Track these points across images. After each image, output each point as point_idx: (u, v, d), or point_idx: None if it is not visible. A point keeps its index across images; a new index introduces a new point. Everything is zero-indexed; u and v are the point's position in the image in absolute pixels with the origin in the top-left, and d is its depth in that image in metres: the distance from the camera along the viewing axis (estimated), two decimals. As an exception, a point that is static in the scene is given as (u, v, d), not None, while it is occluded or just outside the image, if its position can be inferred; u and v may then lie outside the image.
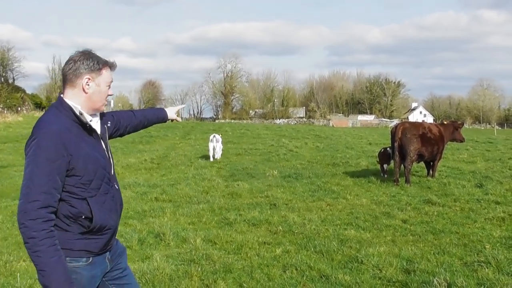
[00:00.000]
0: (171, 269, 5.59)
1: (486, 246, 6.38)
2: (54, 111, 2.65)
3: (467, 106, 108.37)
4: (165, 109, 3.54)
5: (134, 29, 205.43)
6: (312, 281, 5.25)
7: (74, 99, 2.67)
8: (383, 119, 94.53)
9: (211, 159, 17.05)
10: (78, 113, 2.63)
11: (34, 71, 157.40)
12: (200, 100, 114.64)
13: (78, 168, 2.56)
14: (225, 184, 11.94)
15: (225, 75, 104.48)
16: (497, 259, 5.67)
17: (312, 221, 7.93)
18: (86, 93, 2.69)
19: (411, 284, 5.00)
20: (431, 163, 13.02)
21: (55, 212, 2.51)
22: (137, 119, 3.36)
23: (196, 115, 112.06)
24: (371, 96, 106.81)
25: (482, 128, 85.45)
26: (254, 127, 42.09)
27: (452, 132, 13.33)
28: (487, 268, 5.45)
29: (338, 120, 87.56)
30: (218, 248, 6.48)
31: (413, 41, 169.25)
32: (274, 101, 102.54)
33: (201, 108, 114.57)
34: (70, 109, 2.63)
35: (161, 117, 3.48)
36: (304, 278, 5.34)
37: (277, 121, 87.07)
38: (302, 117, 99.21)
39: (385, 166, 12.99)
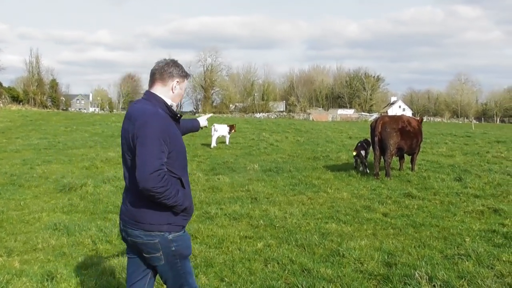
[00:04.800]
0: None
1: (466, 239, 6.44)
2: (148, 102, 3.22)
3: (445, 101, 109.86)
4: (197, 119, 4.19)
5: (111, 22, 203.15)
6: (294, 275, 5.22)
7: (163, 95, 3.27)
8: (362, 113, 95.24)
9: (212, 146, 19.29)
10: (169, 105, 3.27)
11: (10, 64, 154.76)
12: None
13: (174, 151, 3.14)
14: (205, 178, 11.85)
15: (205, 68, 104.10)
16: (477, 252, 5.73)
17: (293, 215, 7.92)
18: (173, 92, 3.32)
19: (392, 277, 5.01)
20: (410, 157, 13.13)
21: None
22: (181, 127, 3.75)
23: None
24: (351, 90, 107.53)
25: (460, 122, 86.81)
26: (234, 121, 41.96)
27: None
28: (467, 261, 5.50)
29: (318, 114, 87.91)
30: (199, 243, 6.41)
31: (390, 35, 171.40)
32: (254, 95, 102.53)
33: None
34: (163, 102, 3.24)
35: (196, 126, 4.15)
36: (286, 272, 5.32)
37: (257, 115, 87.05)
38: (282, 111, 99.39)
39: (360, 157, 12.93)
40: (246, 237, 6.71)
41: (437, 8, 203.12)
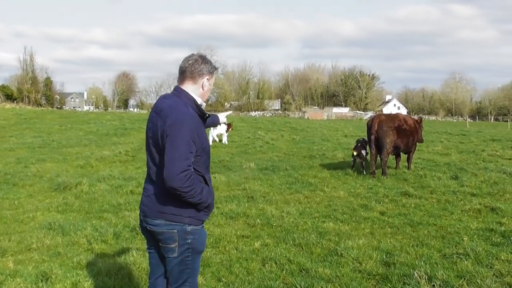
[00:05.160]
0: (148, 264, 5.43)
1: (464, 238, 6.40)
2: (179, 100, 3.22)
3: (439, 99, 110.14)
4: (217, 115, 4.17)
5: (105, 20, 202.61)
6: (292, 275, 5.17)
7: (193, 92, 3.28)
8: (357, 111, 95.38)
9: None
10: (200, 104, 3.29)
11: (4, 61, 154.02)
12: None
13: (200, 149, 3.18)
14: (201, 176, 11.76)
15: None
16: (475, 251, 5.69)
17: (290, 214, 7.86)
18: (203, 89, 3.33)
19: (391, 277, 4.97)
20: (406, 155, 13.12)
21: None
22: None
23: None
24: (346, 89, 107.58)
25: (455, 120, 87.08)
26: (229, 119, 41.92)
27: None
28: (466, 260, 5.47)
29: (313, 113, 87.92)
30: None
31: (385, 34, 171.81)
32: (249, 93, 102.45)
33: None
34: (193, 100, 3.25)
35: (216, 122, 4.14)
36: (284, 272, 5.26)
37: (253, 114, 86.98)
38: (277, 110, 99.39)
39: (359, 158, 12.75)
40: (243, 236, 6.65)
41: (432, 6, 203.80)
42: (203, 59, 3.32)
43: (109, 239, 6.54)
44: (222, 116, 4.22)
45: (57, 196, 9.50)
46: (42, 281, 4.95)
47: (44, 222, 7.36)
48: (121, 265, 5.35)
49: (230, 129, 21.15)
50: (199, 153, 3.18)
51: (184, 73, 3.28)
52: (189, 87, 3.29)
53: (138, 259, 5.49)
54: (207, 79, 3.32)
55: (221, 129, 20.21)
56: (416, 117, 14.73)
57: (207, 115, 3.37)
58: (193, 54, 3.35)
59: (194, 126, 3.12)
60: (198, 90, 3.31)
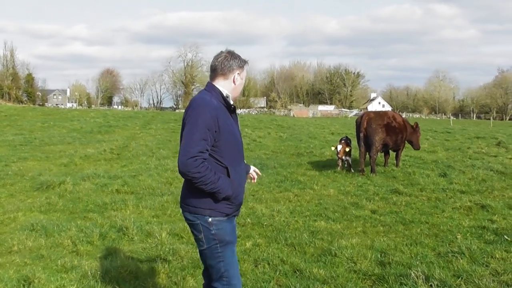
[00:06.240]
0: (136, 266, 5.26)
1: (458, 236, 6.31)
2: (207, 93, 3.35)
3: (423, 97, 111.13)
4: None
5: (88, 16, 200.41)
6: (285, 276, 5.02)
7: (224, 88, 3.40)
8: (343, 109, 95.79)
9: None
10: (225, 96, 3.37)
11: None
12: (160, 89, 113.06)
13: (222, 140, 3.24)
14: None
15: (186, 64, 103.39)
16: (470, 249, 5.61)
17: (280, 213, 7.71)
18: (235, 84, 3.44)
19: (388, 277, 4.84)
20: (395, 153, 13.06)
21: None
22: None
23: (155, 104, 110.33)
24: (331, 87, 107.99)
25: (438, 118, 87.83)
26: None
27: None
28: (462, 259, 5.37)
29: (299, 110, 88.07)
30: (185, 242, 6.15)
31: (370, 32, 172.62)
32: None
33: (161, 98, 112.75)
34: (219, 92, 3.35)
35: None
36: (277, 273, 5.10)
37: (239, 111, 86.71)
38: (263, 107, 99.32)
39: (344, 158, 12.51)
40: (233, 236, 6.47)
41: (415, 6, 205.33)
42: (231, 54, 3.43)
43: (95, 240, 6.31)
44: None
45: (40, 196, 9.21)
46: (24, 285, 4.72)
47: (26, 223, 7.08)
48: (108, 267, 5.14)
49: None
50: (221, 143, 3.24)
51: (216, 70, 3.41)
52: (221, 83, 3.41)
53: (126, 261, 5.29)
54: (238, 73, 3.44)
55: None
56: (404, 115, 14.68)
57: (233, 106, 3.42)
58: (221, 52, 3.45)
59: (213, 115, 3.18)
60: (230, 85, 3.43)
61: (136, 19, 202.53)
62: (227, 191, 3.24)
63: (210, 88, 3.41)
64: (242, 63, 3.46)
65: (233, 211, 3.39)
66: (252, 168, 3.90)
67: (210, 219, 3.28)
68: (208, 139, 3.15)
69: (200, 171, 3.10)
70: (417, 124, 13.63)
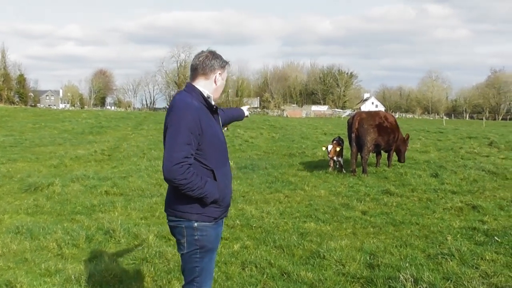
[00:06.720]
0: (121, 270, 5.17)
1: (448, 238, 6.26)
2: (187, 94, 3.25)
3: (416, 97, 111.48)
4: (242, 108, 4.37)
5: (81, 16, 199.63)
6: (273, 279, 4.94)
7: (205, 88, 3.31)
8: (336, 109, 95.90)
9: None
10: (206, 96, 3.27)
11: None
12: (153, 90, 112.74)
13: (206, 142, 3.15)
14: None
15: (179, 64, 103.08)
16: (460, 251, 5.55)
17: (270, 214, 7.64)
18: (216, 84, 3.36)
19: (376, 280, 4.77)
20: (387, 153, 13.02)
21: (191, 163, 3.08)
22: (225, 115, 4.00)
23: (148, 105, 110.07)
24: (325, 87, 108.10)
25: (431, 118, 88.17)
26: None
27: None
28: (451, 260, 5.31)
29: (292, 111, 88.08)
30: (172, 245, 6.03)
31: (363, 33, 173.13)
32: (228, 91, 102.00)
33: (154, 98, 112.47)
34: (200, 93, 3.26)
35: (241, 115, 4.29)
36: (265, 276, 5.03)
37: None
38: (256, 108, 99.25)
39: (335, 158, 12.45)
40: (222, 238, 6.35)
41: (408, 6, 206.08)
42: (213, 54, 3.35)
43: (80, 243, 6.21)
44: (245, 110, 4.38)
45: (28, 198, 9.09)
46: (6, 290, 4.63)
47: (12, 226, 6.96)
48: (92, 271, 5.04)
49: (226, 128, 21.06)
50: (205, 146, 3.17)
51: (196, 70, 3.32)
52: (201, 83, 3.32)
53: (111, 264, 5.20)
54: (219, 73, 3.36)
55: None
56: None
57: (215, 107, 3.33)
58: (203, 51, 3.38)
59: (195, 117, 3.10)
60: (211, 85, 3.35)
61: (129, 19, 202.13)
62: (215, 194, 3.17)
63: (190, 89, 3.31)
64: (224, 63, 3.38)
65: (221, 213, 3.32)
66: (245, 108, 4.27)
67: (196, 224, 3.21)
68: (192, 143, 3.07)
69: (186, 177, 3.02)
70: (408, 136, 13.49)
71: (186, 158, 3.03)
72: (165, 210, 3.36)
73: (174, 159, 3.00)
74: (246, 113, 4.35)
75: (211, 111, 3.31)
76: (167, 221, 3.36)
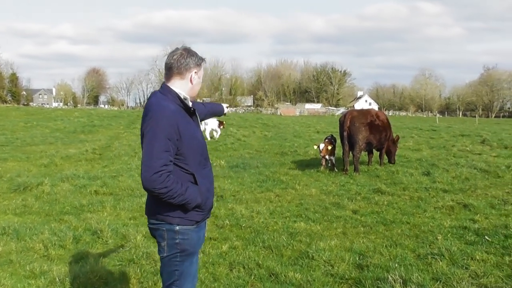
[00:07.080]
0: (107, 271, 5.09)
1: (438, 237, 6.22)
2: (162, 96, 3.11)
3: (410, 95, 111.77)
4: (222, 104, 4.27)
5: (73, 15, 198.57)
6: (260, 280, 4.88)
7: (181, 88, 3.17)
8: (330, 107, 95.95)
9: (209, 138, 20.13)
10: (183, 98, 3.14)
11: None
12: (146, 88, 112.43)
13: (185, 147, 3.04)
14: (170, 175, 11.37)
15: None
16: (450, 251, 5.52)
17: (260, 214, 7.58)
18: (192, 83, 3.22)
19: (365, 281, 4.72)
20: (378, 152, 12.99)
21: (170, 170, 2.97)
22: (206, 109, 3.94)
23: (142, 103, 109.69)
24: (318, 85, 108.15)
25: (425, 116, 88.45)
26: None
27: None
28: (441, 261, 5.28)
29: (285, 109, 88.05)
30: (160, 246, 5.99)
31: (356, 31, 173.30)
32: (221, 89, 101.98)
33: (147, 97, 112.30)
34: (176, 95, 3.12)
35: (221, 111, 4.19)
36: (252, 277, 4.97)
37: (225, 110, 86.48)
38: (250, 106, 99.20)
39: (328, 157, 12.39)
40: (210, 238, 6.33)
41: (400, 4, 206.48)
42: (188, 52, 3.20)
43: (67, 244, 6.12)
44: (225, 107, 4.27)
45: (16, 198, 8.98)
46: (-12, 293, 4.55)
47: (-2, 226, 6.87)
48: (77, 273, 4.95)
49: (222, 126, 21.43)
50: (184, 150, 3.05)
51: (171, 69, 3.17)
52: (177, 83, 3.18)
53: (96, 266, 5.12)
54: (195, 72, 3.21)
55: (213, 125, 20.65)
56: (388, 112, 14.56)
57: (192, 108, 3.20)
58: (177, 48, 3.22)
59: (172, 123, 2.98)
60: (187, 85, 3.21)
61: (122, 18, 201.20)
62: (196, 199, 3.09)
63: (166, 90, 3.16)
64: (200, 60, 3.24)
65: (203, 217, 3.25)
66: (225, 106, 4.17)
67: (177, 228, 3.12)
68: (170, 150, 2.96)
69: (166, 185, 2.92)
70: (398, 137, 13.42)
71: (165, 166, 2.93)
72: (146, 213, 3.28)
73: (152, 168, 2.90)
74: (226, 110, 4.25)
75: (189, 113, 3.18)
76: (147, 223, 3.27)
